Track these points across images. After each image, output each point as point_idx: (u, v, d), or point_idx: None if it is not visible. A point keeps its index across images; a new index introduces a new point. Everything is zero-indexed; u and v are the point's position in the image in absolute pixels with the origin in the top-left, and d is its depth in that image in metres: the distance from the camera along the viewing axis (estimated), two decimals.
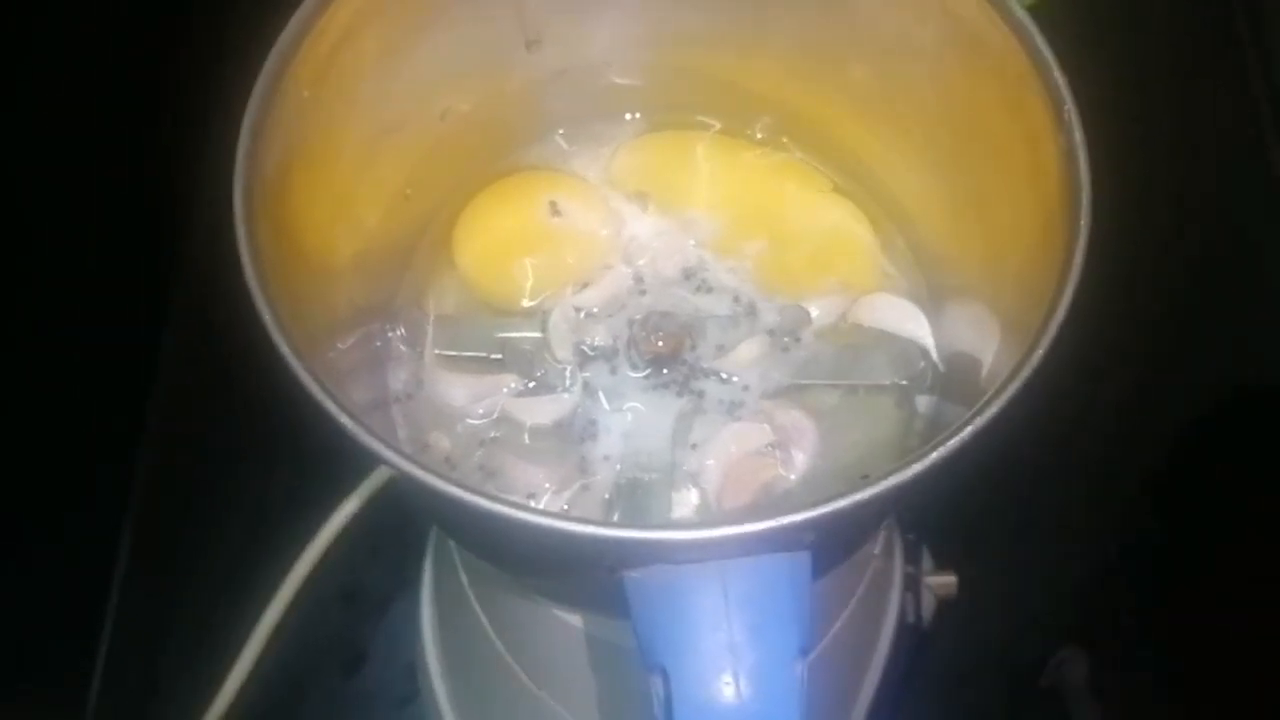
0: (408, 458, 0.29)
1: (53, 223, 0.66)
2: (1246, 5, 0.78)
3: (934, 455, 0.29)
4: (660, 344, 0.42)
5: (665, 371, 0.42)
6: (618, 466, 0.41)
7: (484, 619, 0.51)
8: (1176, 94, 0.75)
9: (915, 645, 0.58)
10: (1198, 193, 0.73)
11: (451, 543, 0.52)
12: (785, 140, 0.47)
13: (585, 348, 0.42)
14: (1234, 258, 0.72)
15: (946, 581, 0.60)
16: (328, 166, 0.38)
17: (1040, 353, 0.31)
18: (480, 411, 0.42)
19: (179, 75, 0.70)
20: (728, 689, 0.30)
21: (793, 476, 0.41)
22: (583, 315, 0.43)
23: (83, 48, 0.67)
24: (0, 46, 0.63)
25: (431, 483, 0.29)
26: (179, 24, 0.72)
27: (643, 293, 0.44)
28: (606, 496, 0.40)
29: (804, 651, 0.31)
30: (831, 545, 0.36)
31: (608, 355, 0.42)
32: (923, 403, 0.42)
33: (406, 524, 0.61)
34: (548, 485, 0.40)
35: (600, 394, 0.42)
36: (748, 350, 0.42)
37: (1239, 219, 0.74)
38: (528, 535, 0.30)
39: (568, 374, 0.42)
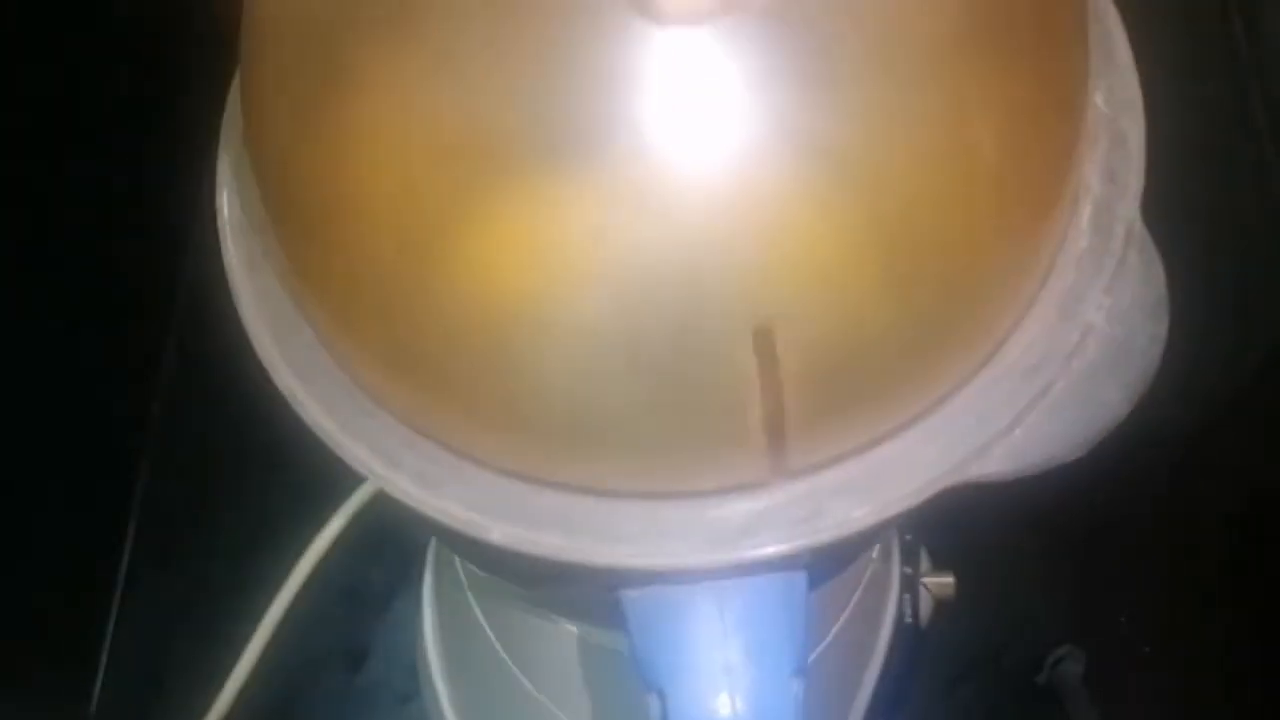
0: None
1: (52, 224, 0.66)
2: (1241, 6, 0.78)
3: None
4: None
5: None
6: None
7: (484, 621, 0.51)
8: (1176, 94, 0.75)
9: (913, 645, 0.58)
10: (1198, 193, 0.73)
11: None
12: None
13: None
14: (1234, 258, 0.72)
15: (944, 582, 0.61)
16: None
17: None
18: None
19: (177, 76, 0.70)
20: (724, 709, 0.30)
21: None
22: None
23: (83, 50, 0.68)
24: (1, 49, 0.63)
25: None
26: (180, 25, 0.72)
27: None
28: None
29: (800, 671, 0.31)
30: (827, 562, 0.36)
31: None
32: None
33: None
34: None
35: None
36: None
37: (1239, 219, 0.74)
38: (524, 554, 0.30)
39: None
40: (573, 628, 0.45)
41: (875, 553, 0.54)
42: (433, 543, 0.58)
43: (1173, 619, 0.66)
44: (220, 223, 0.33)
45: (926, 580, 0.60)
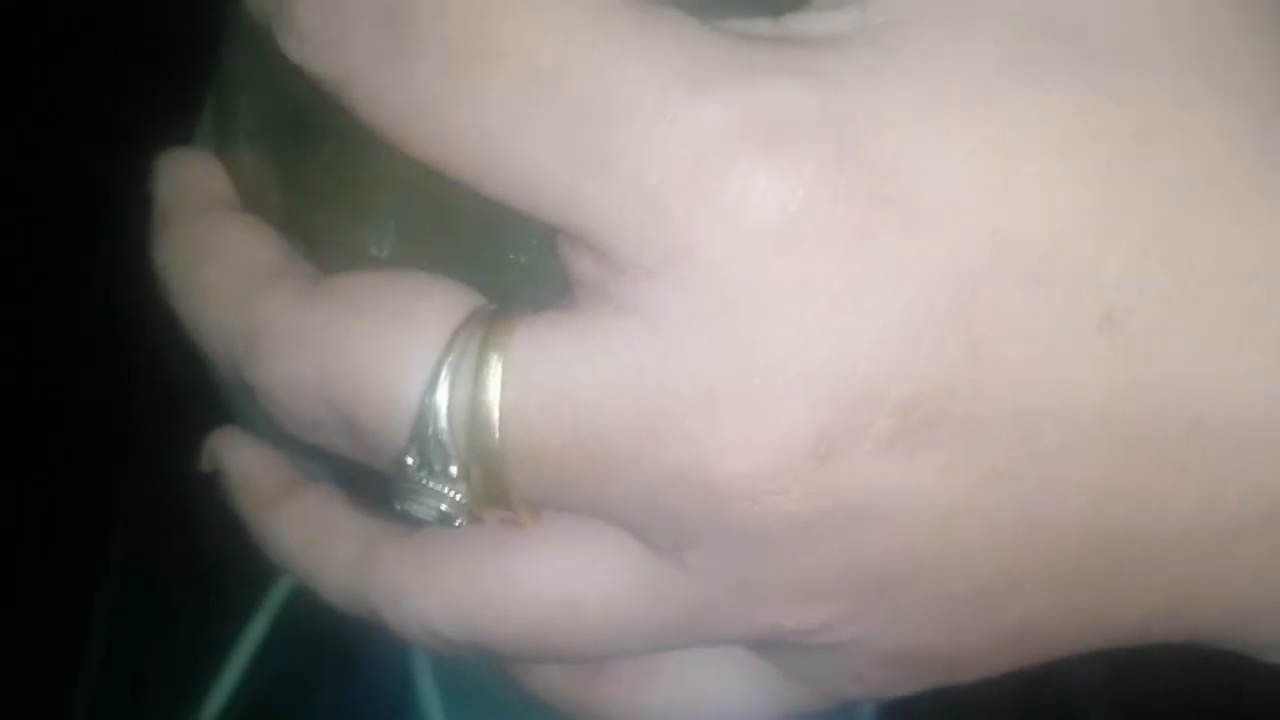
0: None
1: (53, 225, 0.66)
2: None
3: None
4: None
5: None
6: None
7: None
8: None
9: None
10: None
11: None
12: None
13: None
14: None
15: None
16: None
17: None
18: None
19: (175, 84, 0.69)
20: None
21: None
22: None
23: (84, 57, 0.68)
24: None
25: None
26: (180, 27, 0.72)
27: None
28: None
29: None
30: None
31: None
32: None
33: None
34: None
35: None
36: None
37: None
38: None
39: None
40: None
41: None
42: None
43: None
44: None
45: None
